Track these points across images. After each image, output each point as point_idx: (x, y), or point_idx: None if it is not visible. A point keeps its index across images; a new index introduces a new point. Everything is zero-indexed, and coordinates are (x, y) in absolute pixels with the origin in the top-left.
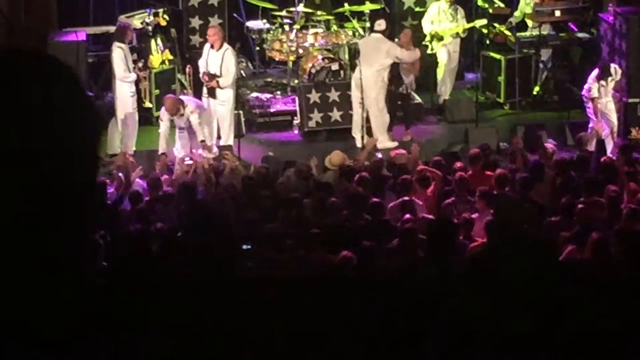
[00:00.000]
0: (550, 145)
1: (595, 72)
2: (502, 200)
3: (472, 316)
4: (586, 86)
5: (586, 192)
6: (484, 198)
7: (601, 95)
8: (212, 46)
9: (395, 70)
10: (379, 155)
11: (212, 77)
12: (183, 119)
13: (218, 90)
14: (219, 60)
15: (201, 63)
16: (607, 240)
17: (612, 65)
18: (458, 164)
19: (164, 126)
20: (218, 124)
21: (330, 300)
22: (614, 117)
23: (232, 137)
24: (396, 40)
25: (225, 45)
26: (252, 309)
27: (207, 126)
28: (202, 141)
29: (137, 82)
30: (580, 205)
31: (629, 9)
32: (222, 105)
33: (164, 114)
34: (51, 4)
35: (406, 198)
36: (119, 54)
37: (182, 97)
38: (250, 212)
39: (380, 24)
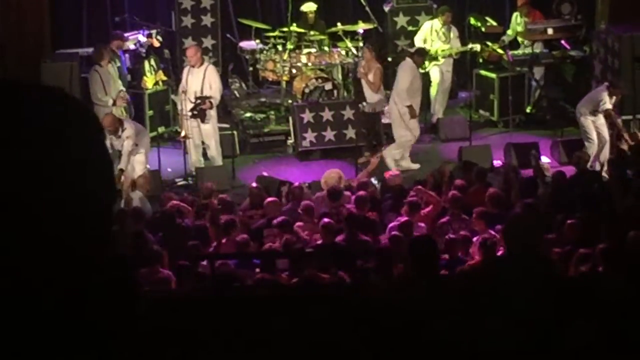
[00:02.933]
0: (544, 162)
1: (603, 88)
2: (516, 215)
3: (463, 334)
4: (600, 101)
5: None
6: (482, 219)
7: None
8: (192, 65)
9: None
10: (374, 181)
11: (203, 99)
12: (120, 141)
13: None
14: (200, 77)
15: (181, 85)
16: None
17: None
18: (458, 182)
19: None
20: (203, 143)
21: (317, 319)
22: (606, 133)
23: (221, 155)
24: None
25: (206, 63)
26: (238, 327)
27: (138, 157)
28: (121, 170)
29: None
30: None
31: (621, 27)
32: (207, 122)
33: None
34: (44, 25)
35: (405, 219)
36: (95, 77)
37: (126, 120)
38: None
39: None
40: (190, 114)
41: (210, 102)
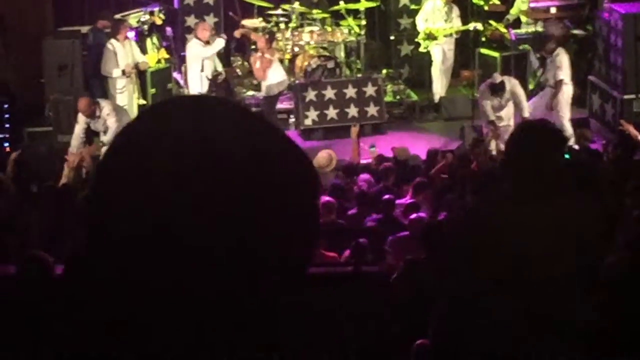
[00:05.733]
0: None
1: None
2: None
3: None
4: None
5: None
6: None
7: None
8: (207, 42)
9: None
10: (372, 148)
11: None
12: (100, 122)
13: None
14: (212, 54)
15: (197, 61)
16: None
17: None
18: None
19: (78, 128)
20: None
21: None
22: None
23: None
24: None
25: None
26: None
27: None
28: (73, 154)
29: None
30: None
31: (624, 6)
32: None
33: (79, 116)
34: (46, 4)
35: (412, 200)
36: (110, 49)
37: (102, 100)
38: None
39: None
40: (208, 91)
41: (224, 76)
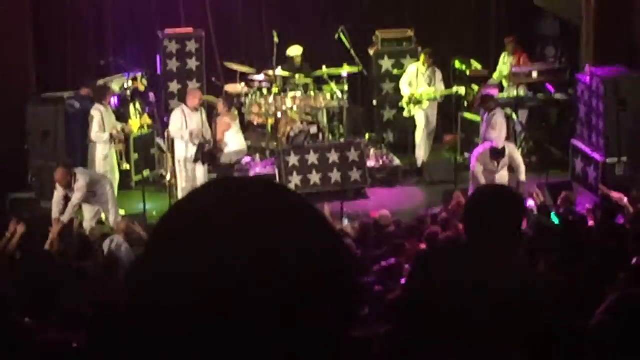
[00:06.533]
0: (530, 204)
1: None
2: None
3: None
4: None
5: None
6: None
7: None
8: (195, 109)
9: None
10: (345, 221)
11: (205, 143)
12: (73, 194)
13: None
14: (199, 121)
15: (180, 128)
16: None
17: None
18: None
19: (57, 195)
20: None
21: None
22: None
23: None
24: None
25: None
26: None
27: (89, 207)
28: (57, 219)
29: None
30: None
31: (605, 70)
32: (203, 165)
33: (58, 185)
34: (28, 69)
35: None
36: (97, 115)
37: (79, 171)
38: None
39: None
40: (194, 158)
41: (211, 143)
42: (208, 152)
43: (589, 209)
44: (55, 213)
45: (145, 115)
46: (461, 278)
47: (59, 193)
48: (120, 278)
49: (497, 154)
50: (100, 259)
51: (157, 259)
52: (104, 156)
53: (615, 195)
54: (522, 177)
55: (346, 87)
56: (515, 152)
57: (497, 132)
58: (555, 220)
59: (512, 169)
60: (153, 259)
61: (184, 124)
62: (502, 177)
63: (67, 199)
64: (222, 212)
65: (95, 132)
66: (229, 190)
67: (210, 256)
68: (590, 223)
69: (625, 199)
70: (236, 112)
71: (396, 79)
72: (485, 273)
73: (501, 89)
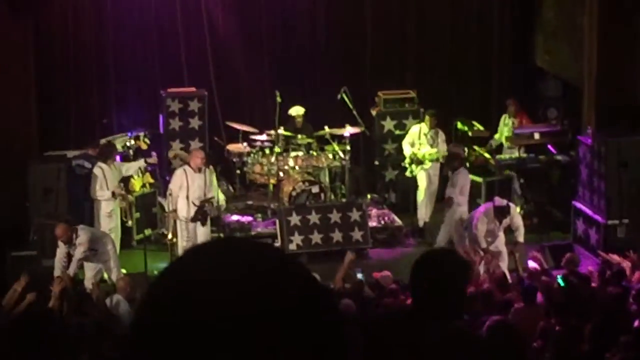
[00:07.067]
0: (532, 265)
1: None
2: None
3: None
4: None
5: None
6: None
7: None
8: (199, 169)
9: None
10: (359, 275)
11: (206, 202)
12: (75, 249)
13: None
14: (203, 180)
15: (181, 188)
16: None
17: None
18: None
19: (59, 252)
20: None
21: None
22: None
23: None
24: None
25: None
26: None
27: (91, 264)
28: (59, 277)
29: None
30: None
31: (607, 132)
32: (205, 225)
33: (60, 242)
34: (31, 127)
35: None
36: (99, 173)
37: (81, 227)
38: None
39: None
40: (194, 218)
41: (212, 204)
42: (205, 213)
43: (591, 271)
44: (57, 270)
45: (147, 174)
46: (408, 343)
47: (61, 250)
48: (120, 335)
49: (501, 212)
50: (99, 316)
51: (155, 314)
52: (108, 213)
53: (614, 259)
54: (521, 238)
55: (348, 147)
56: (515, 213)
57: (456, 189)
58: (561, 282)
59: (510, 230)
60: (151, 313)
61: (185, 183)
62: (500, 238)
63: (69, 257)
64: (220, 272)
65: (97, 190)
66: (228, 251)
67: (205, 316)
68: (593, 285)
69: (626, 263)
70: (212, 168)
71: (398, 139)
72: (431, 337)
73: (500, 150)
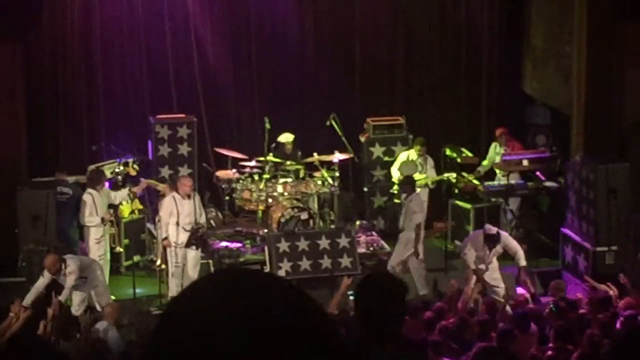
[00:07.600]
0: (521, 292)
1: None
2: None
3: None
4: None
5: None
6: None
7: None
8: (187, 195)
9: None
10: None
11: (198, 228)
12: (65, 279)
13: (185, 235)
14: (192, 206)
15: (170, 214)
16: None
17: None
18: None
19: (40, 281)
20: (184, 272)
21: None
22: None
23: None
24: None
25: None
26: None
27: (77, 292)
28: (60, 302)
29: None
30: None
31: (596, 159)
32: (196, 250)
33: (45, 272)
34: (21, 152)
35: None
36: (88, 200)
37: (69, 257)
38: None
39: None
40: (186, 243)
41: (205, 227)
42: (201, 237)
43: (580, 298)
44: (30, 296)
45: (136, 200)
46: None
47: (44, 280)
48: None
49: (491, 240)
50: (86, 342)
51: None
52: (97, 240)
53: (601, 287)
54: (522, 262)
55: (337, 174)
56: (508, 240)
57: (406, 214)
58: (553, 308)
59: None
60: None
61: (175, 210)
62: (494, 267)
63: (49, 288)
64: (223, 303)
65: (86, 216)
66: (232, 283)
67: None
68: (582, 311)
69: (613, 291)
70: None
71: (387, 165)
72: None
73: (493, 176)
